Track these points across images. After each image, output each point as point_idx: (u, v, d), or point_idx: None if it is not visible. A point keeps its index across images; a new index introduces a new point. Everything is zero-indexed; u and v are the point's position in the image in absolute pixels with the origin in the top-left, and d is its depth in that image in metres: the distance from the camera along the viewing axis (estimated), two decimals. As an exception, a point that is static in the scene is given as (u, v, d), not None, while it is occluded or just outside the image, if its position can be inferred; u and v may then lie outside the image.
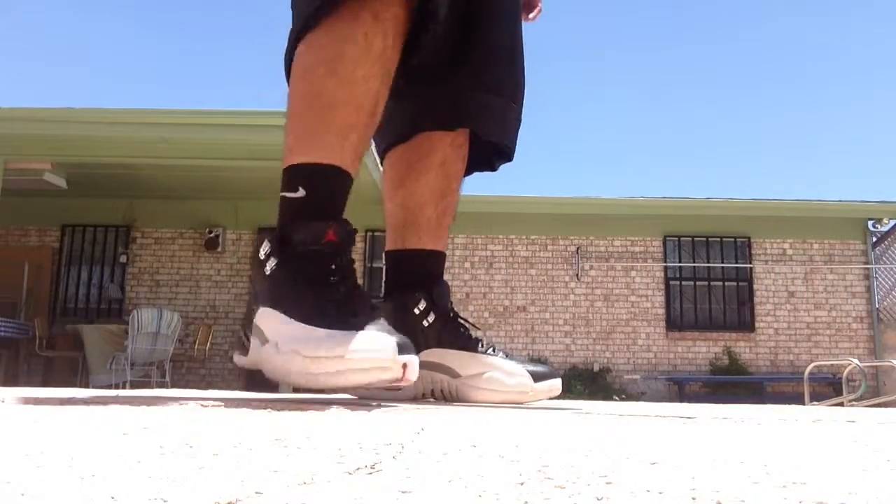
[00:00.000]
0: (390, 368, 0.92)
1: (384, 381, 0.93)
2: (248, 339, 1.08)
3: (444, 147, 1.42)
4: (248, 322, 1.10)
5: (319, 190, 1.08)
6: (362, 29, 1.08)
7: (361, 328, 0.94)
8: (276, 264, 1.05)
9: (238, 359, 1.14)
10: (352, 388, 1.01)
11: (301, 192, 1.08)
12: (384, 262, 1.51)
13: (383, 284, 1.46)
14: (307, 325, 0.97)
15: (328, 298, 1.00)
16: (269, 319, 1.03)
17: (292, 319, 0.99)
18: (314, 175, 1.09)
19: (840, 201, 11.29)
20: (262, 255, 1.06)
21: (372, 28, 1.08)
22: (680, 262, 11.44)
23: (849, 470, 0.42)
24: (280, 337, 0.99)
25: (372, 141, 1.52)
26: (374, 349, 0.92)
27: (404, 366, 0.93)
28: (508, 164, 1.53)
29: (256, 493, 0.35)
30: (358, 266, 11.18)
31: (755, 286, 11.31)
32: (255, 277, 1.09)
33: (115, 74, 41.17)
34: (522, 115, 1.46)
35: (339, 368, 0.91)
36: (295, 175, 1.09)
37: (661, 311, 11.24)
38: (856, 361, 6.32)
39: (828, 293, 11.27)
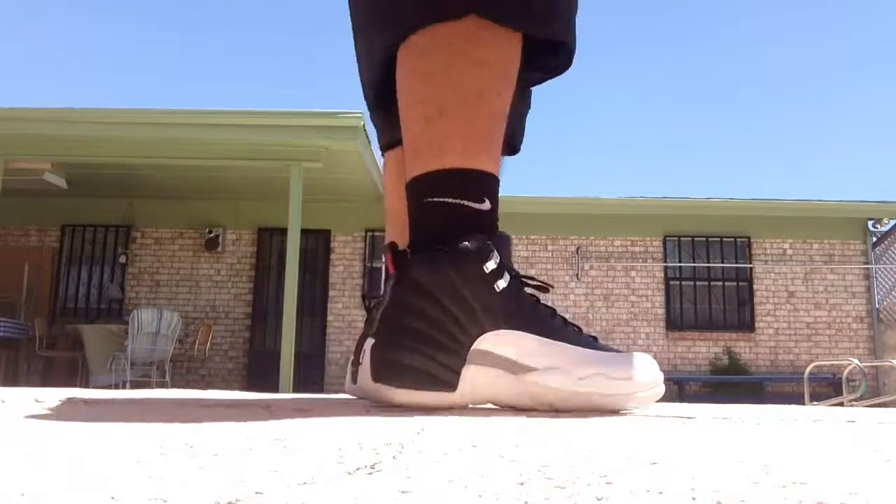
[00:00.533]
0: (661, 386, 0.90)
1: (654, 399, 0.90)
2: (455, 372, 0.89)
3: None
4: (440, 350, 0.90)
5: (497, 205, 0.97)
6: (518, 43, 0.99)
7: (603, 348, 0.92)
8: (510, 281, 0.92)
9: (436, 397, 0.89)
10: (630, 408, 0.90)
11: (487, 205, 0.95)
12: (385, 259, 1.49)
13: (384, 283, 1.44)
14: (575, 346, 0.89)
15: (554, 315, 0.94)
16: (521, 343, 0.89)
17: (559, 342, 0.89)
18: (494, 188, 0.98)
19: (840, 201, 11.30)
20: (488, 269, 0.90)
21: (519, 37, 0.99)
22: (680, 262, 11.44)
23: (849, 470, 0.42)
24: (559, 360, 0.88)
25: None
26: (648, 368, 0.89)
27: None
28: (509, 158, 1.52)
29: (256, 493, 0.35)
30: (357, 266, 11.20)
31: (755, 286, 11.31)
32: (468, 294, 0.90)
33: (115, 74, 41.19)
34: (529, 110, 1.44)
35: (634, 390, 0.87)
36: (480, 182, 0.96)
37: (661, 310, 11.25)
38: (856, 361, 6.32)
39: (828, 293, 11.28)
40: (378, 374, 0.92)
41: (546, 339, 0.89)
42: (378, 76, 1.10)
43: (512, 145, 1.40)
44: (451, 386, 0.89)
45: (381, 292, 1.42)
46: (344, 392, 1.62)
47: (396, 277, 0.95)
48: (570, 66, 1.10)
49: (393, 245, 1.00)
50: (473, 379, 0.89)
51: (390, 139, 1.49)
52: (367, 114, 1.56)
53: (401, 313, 0.92)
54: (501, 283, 0.91)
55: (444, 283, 0.90)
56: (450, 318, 0.89)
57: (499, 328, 0.89)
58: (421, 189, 0.97)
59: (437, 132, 0.96)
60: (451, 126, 0.96)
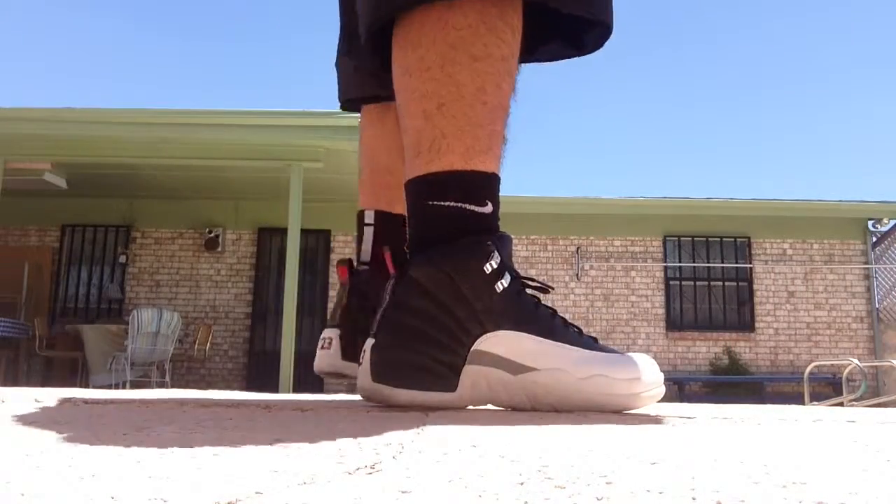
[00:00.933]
0: (661, 386, 0.90)
1: (655, 400, 0.90)
2: (455, 372, 0.89)
3: None
4: (440, 350, 0.89)
5: (498, 206, 0.96)
6: (518, 21, 0.95)
7: (603, 349, 0.91)
8: (510, 281, 0.91)
9: (436, 397, 0.89)
10: (637, 409, 0.90)
11: (489, 207, 0.94)
12: (372, 221, 1.36)
13: (364, 243, 1.33)
14: (576, 347, 0.89)
15: (555, 315, 0.93)
16: (522, 343, 0.88)
17: (560, 343, 0.88)
18: (495, 188, 0.96)
19: (840, 201, 11.30)
20: (489, 270, 0.89)
21: (518, 23, 0.96)
22: (680, 262, 11.44)
23: (849, 470, 0.42)
24: (560, 360, 0.87)
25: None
26: (648, 369, 0.89)
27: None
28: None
29: (256, 493, 0.35)
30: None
31: (755, 286, 11.31)
32: (469, 295, 0.89)
33: (115, 74, 41.20)
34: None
35: (635, 391, 0.87)
36: (482, 184, 0.94)
37: (661, 311, 11.24)
38: (856, 361, 6.31)
39: (828, 293, 11.27)
40: (378, 374, 0.91)
41: (547, 340, 0.88)
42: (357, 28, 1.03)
43: None
44: (452, 386, 0.88)
45: (360, 260, 1.36)
46: (343, 392, 1.60)
47: (396, 277, 0.94)
48: (600, 45, 1.05)
49: (393, 245, 0.99)
50: (474, 379, 0.88)
51: (364, 93, 1.42)
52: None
53: (401, 313, 0.91)
54: (502, 284, 0.90)
55: (444, 283, 0.89)
56: (450, 319, 0.89)
57: (499, 329, 0.88)
58: (421, 191, 0.95)
59: (436, 129, 0.94)
60: (451, 123, 0.93)
